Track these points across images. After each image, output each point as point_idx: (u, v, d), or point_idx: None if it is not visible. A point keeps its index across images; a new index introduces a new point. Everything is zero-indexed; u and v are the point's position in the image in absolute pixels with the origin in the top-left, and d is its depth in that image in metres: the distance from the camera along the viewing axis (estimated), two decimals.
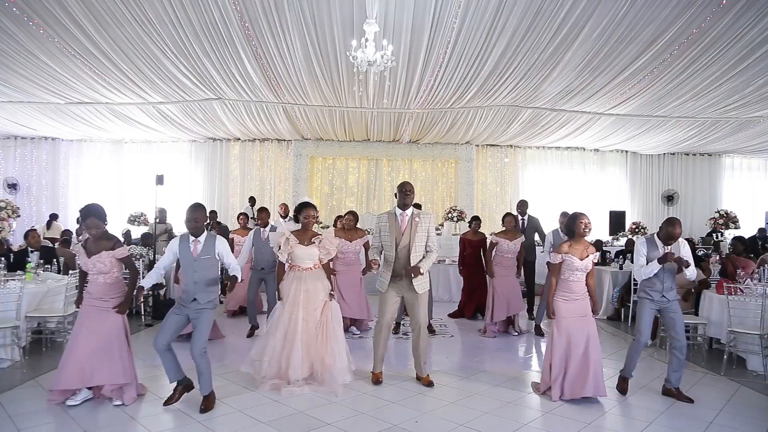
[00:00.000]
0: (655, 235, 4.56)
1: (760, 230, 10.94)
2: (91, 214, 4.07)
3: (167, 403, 4.10)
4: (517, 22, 6.47)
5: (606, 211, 12.54)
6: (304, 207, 4.78)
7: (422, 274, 4.65)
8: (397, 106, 9.70)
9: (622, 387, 4.61)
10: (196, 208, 4.14)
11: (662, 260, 4.36)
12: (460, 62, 7.62)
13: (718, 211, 11.23)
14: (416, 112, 10.10)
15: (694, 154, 13.62)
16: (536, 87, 8.60)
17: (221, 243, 4.21)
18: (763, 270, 6.10)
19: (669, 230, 4.45)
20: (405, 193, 4.75)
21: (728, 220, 10.85)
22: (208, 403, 4.06)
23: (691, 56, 7.16)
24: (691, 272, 4.44)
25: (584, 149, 13.29)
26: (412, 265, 4.61)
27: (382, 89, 8.69)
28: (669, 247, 4.46)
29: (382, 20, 6.43)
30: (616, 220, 12.41)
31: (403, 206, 4.76)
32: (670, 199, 13.54)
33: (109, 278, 4.14)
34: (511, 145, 13.08)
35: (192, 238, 4.14)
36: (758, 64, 7.26)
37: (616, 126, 10.82)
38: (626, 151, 13.44)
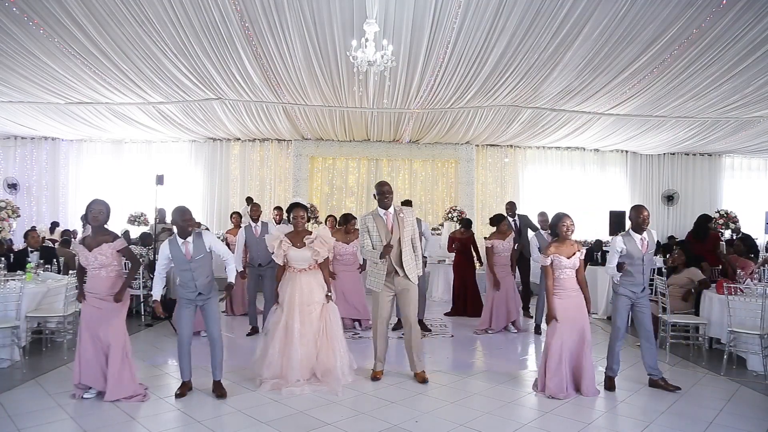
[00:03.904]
0: (630, 230, 4.66)
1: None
2: (100, 203, 4.28)
3: (179, 396, 4.28)
4: (517, 22, 6.47)
5: (606, 211, 12.52)
6: (293, 207, 4.92)
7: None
8: (397, 106, 9.69)
9: (609, 385, 4.64)
10: (185, 211, 4.31)
11: (619, 268, 4.62)
12: (460, 62, 7.62)
13: (718, 211, 11.22)
14: (416, 112, 10.10)
15: (694, 154, 13.61)
16: (536, 87, 8.60)
17: (209, 237, 4.40)
18: (764, 270, 6.10)
19: (632, 217, 4.62)
20: (384, 194, 4.77)
21: (728, 220, 10.83)
22: (222, 390, 4.31)
23: (691, 56, 7.16)
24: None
25: (584, 149, 13.28)
26: (403, 260, 4.72)
27: (382, 89, 8.69)
28: (644, 236, 4.60)
29: (382, 20, 6.43)
30: (616, 220, 12.35)
31: (384, 207, 4.79)
32: (670, 199, 13.53)
33: (112, 271, 4.22)
34: (511, 145, 13.07)
35: (180, 240, 4.26)
36: (758, 64, 7.25)
37: (616, 126, 10.81)
38: (626, 151, 13.43)
